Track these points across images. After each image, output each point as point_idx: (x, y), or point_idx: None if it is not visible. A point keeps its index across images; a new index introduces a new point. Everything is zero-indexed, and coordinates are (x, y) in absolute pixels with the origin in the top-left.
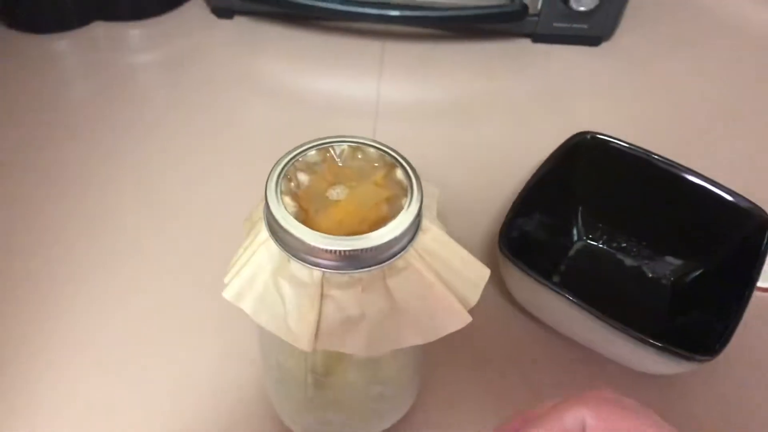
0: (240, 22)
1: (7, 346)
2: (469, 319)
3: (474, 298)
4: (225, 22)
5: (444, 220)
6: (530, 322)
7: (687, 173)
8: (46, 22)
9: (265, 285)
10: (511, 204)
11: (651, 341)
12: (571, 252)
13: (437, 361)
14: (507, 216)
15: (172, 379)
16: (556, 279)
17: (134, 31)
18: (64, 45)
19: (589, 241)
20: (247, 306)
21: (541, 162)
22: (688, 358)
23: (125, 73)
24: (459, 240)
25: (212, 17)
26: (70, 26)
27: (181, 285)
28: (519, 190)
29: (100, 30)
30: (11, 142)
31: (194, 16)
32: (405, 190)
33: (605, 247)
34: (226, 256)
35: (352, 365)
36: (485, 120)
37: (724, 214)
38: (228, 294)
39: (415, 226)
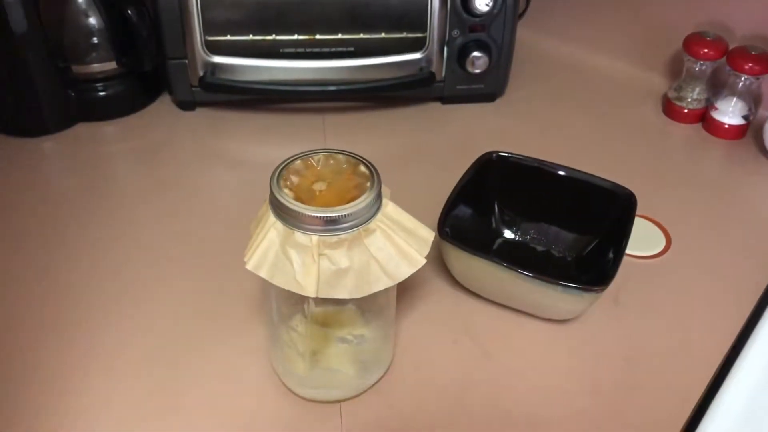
0: (202, 112)
1: (53, 354)
2: (423, 261)
3: (425, 251)
4: (189, 114)
5: None
6: (469, 297)
7: (569, 171)
8: (38, 127)
9: (276, 255)
10: (441, 208)
11: (560, 282)
12: (495, 246)
13: (405, 332)
14: (441, 213)
15: (194, 369)
16: None
17: (111, 128)
18: (51, 145)
19: (506, 236)
20: (264, 273)
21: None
22: (587, 290)
23: (104, 163)
24: None
25: (177, 111)
26: (57, 129)
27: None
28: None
29: (82, 129)
30: (8, 224)
31: (162, 111)
32: (368, 178)
33: (520, 239)
34: (215, 296)
35: (341, 317)
36: (413, 166)
37: (601, 197)
38: (249, 266)
39: (379, 200)
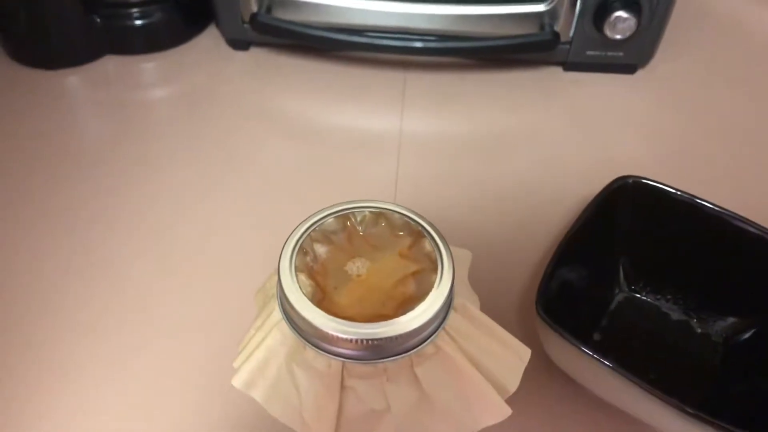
0: (256, 54)
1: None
2: (508, 412)
3: (513, 384)
4: (240, 54)
5: (472, 277)
6: (570, 386)
7: (741, 222)
8: (57, 57)
9: (278, 371)
10: (548, 255)
11: (709, 418)
12: (612, 305)
13: None
14: (545, 273)
15: None
16: (596, 336)
17: (146, 65)
18: (74, 81)
19: (631, 292)
20: (258, 395)
21: (576, 203)
22: None
23: (136, 110)
24: (489, 295)
25: (227, 49)
26: (80, 61)
27: (188, 345)
28: (554, 235)
29: (111, 64)
30: (18, 179)
31: (208, 48)
32: (434, 264)
33: (649, 300)
34: (238, 312)
35: None
36: (515, 155)
37: None
38: (237, 382)
39: (447, 306)
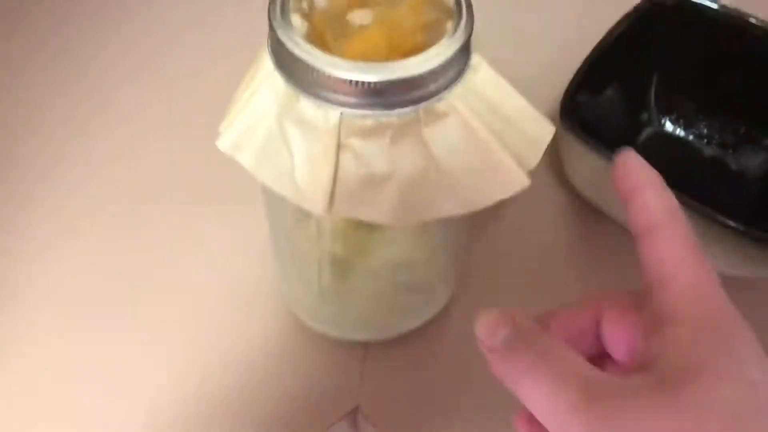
0: None
1: None
2: (526, 182)
3: (534, 158)
4: None
5: None
6: (590, 214)
7: None
8: None
9: (268, 132)
10: (573, 74)
11: (741, 227)
12: (641, 138)
13: (477, 253)
14: (569, 86)
15: (179, 276)
16: None
17: None
18: None
19: (661, 127)
20: (245, 159)
21: (610, 26)
22: None
23: None
24: None
25: None
26: None
27: (183, 168)
28: (587, 49)
29: None
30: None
31: None
32: (449, 14)
33: (681, 134)
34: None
35: (376, 243)
36: None
37: None
38: (223, 144)
39: (463, 59)
